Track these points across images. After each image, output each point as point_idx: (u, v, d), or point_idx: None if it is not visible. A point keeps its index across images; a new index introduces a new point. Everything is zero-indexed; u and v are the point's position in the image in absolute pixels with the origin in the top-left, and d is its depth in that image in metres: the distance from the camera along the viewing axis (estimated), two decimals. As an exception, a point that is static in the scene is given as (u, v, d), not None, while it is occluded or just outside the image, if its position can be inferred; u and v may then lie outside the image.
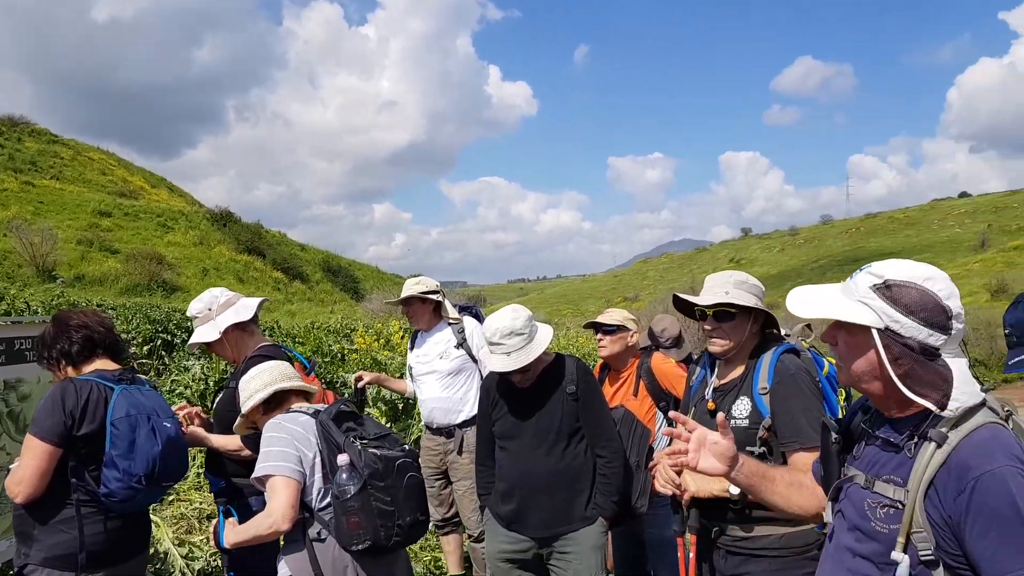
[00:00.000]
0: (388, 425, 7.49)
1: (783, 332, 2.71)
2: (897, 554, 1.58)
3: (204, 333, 3.43)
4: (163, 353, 11.60)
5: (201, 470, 7.01)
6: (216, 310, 3.45)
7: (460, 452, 4.49)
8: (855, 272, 1.74)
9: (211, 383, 8.05)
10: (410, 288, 4.58)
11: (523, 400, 3.26)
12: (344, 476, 2.56)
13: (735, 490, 2.36)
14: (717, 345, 2.64)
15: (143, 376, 3.11)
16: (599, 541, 3.17)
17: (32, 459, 2.61)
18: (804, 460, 2.29)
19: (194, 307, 3.53)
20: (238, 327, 3.40)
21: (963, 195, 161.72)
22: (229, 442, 3.23)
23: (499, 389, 3.34)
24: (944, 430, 1.59)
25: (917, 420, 1.66)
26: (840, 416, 2.50)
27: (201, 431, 3.33)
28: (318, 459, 2.66)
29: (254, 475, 2.66)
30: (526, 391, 3.25)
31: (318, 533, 2.64)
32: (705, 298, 2.64)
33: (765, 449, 2.46)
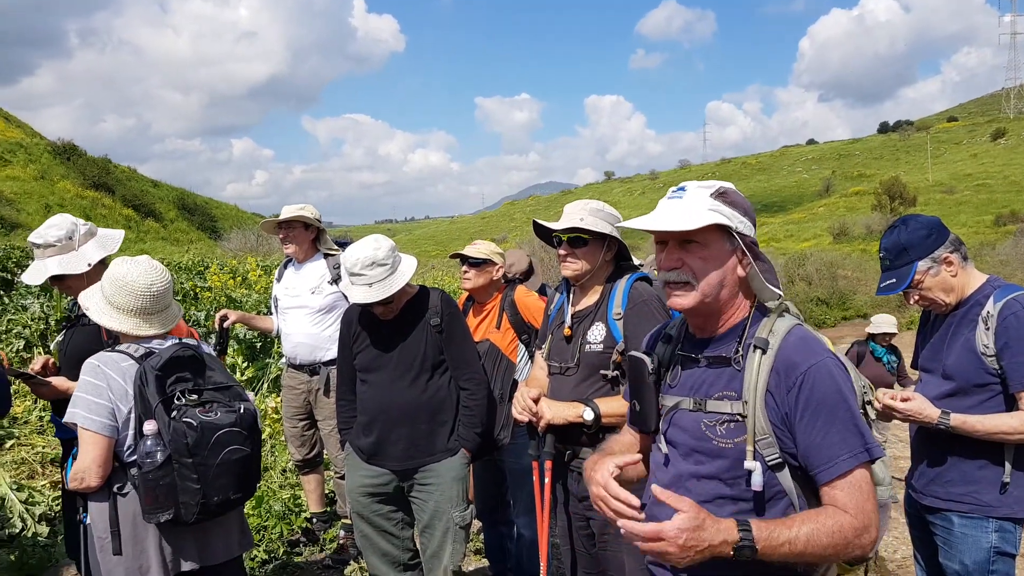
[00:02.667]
0: (245, 366, 7.26)
1: (637, 263, 2.82)
2: (749, 463, 1.64)
3: (69, 263, 3.07)
4: (1, 292, 10.67)
5: (44, 414, 6.61)
6: (79, 240, 3.12)
7: (327, 393, 4.38)
8: (673, 192, 1.80)
9: (51, 322, 7.51)
10: (293, 211, 4.37)
11: (385, 332, 3.22)
12: (148, 444, 2.37)
13: (589, 416, 2.48)
14: (570, 269, 2.73)
15: None
16: (460, 472, 3.20)
17: None
18: None
19: (49, 234, 3.11)
20: (103, 262, 3.07)
21: (811, 142, 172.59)
22: None
23: (361, 321, 3.28)
24: (764, 336, 1.69)
25: (735, 332, 1.76)
26: None
27: (64, 381, 3.05)
28: (132, 415, 2.44)
29: (66, 417, 2.45)
30: (389, 323, 3.21)
31: (120, 487, 2.46)
32: (560, 223, 2.72)
33: (618, 372, 2.55)
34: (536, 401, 2.65)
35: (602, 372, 2.59)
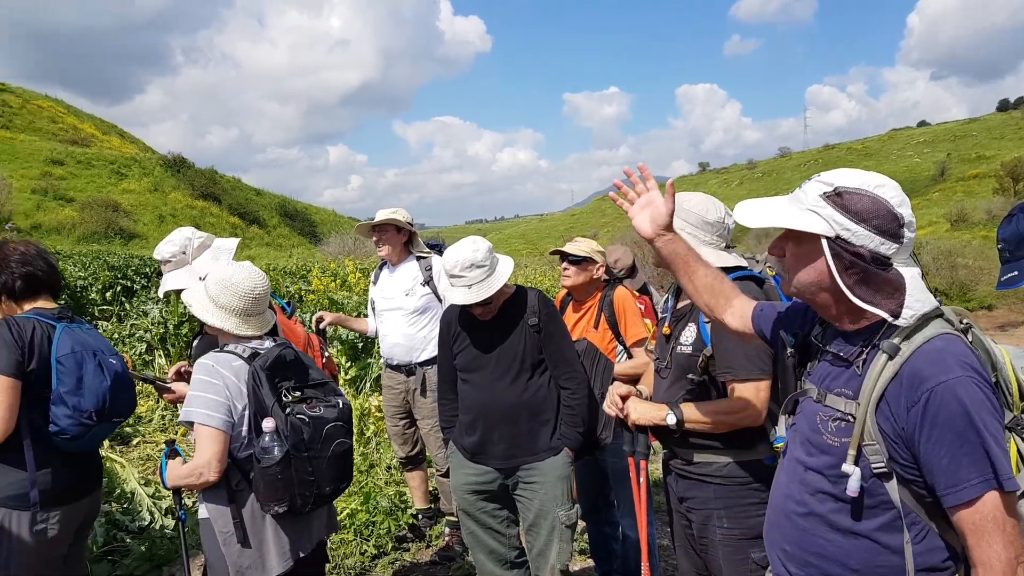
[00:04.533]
0: (348, 365, 7.48)
1: (754, 258, 2.69)
2: (847, 466, 1.58)
3: (179, 279, 3.24)
4: (123, 299, 11.42)
5: (166, 412, 7.02)
6: (191, 253, 3.30)
7: (424, 393, 4.46)
8: (804, 181, 1.71)
9: (170, 326, 7.97)
10: (386, 214, 4.48)
11: (485, 332, 3.25)
12: (267, 440, 2.48)
13: (672, 419, 2.40)
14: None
15: (80, 317, 3.03)
16: (564, 471, 3.20)
17: (1, 396, 2.55)
18: (739, 391, 2.31)
19: (165, 250, 3.33)
20: None
21: (922, 124, 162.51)
22: None
23: (460, 322, 3.32)
24: (896, 341, 1.57)
25: (869, 332, 1.65)
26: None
27: (184, 387, 3.24)
28: (247, 412, 2.56)
29: (181, 416, 2.57)
30: (487, 323, 3.24)
31: (237, 483, 2.58)
32: None
33: (706, 377, 2.46)
34: (625, 399, 2.60)
35: (690, 376, 2.51)
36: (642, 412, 2.49)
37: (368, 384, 7.39)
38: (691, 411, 2.40)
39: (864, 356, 1.63)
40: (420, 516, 4.87)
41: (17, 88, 59.99)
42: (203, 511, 2.62)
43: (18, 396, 2.60)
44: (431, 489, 5.01)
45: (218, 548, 2.58)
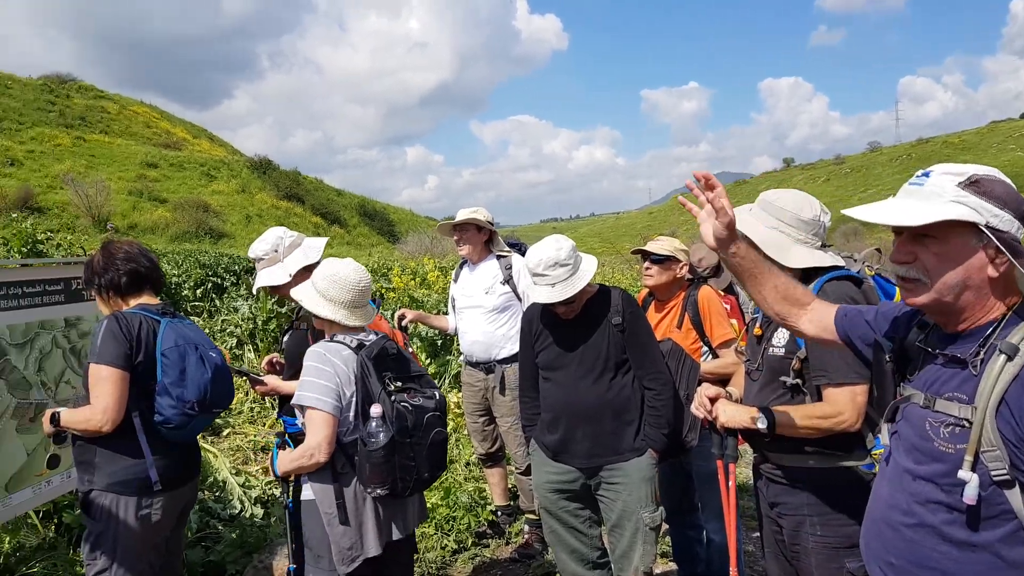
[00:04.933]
0: (427, 361, 7.60)
1: (850, 255, 2.58)
2: (965, 473, 1.51)
3: (273, 276, 3.42)
4: (213, 295, 11.92)
5: (255, 404, 7.28)
6: (283, 252, 3.45)
7: (503, 391, 4.49)
8: (916, 178, 1.63)
9: (258, 322, 8.27)
10: (467, 214, 4.54)
11: (567, 331, 3.24)
12: (373, 426, 2.62)
13: (762, 423, 2.33)
14: None
15: (181, 313, 3.18)
16: (648, 473, 3.16)
17: (110, 386, 2.70)
18: (834, 396, 2.24)
19: (258, 248, 3.50)
20: (306, 269, 3.37)
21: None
22: None
23: (543, 320, 3.32)
24: (1015, 341, 1.50)
25: (981, 333, 1.58)
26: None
27: (276, 380, 3.42)
28: (355, 398, 2.71)
29: (294, 401, 2.74)
30: (570, 322, 3.22)
31: (343, 466, 2.72)
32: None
33: (799, 380, 2.39)
34: (714, 400, 2.54)
35: (782, 379, 2.43)
36: (732, 415, 2.43)
37: (447, 381, 7.48)
38: (783, 415, 2.32)
39: (981, 356, 1.55)
40: (499, 513, 4.90)
41: (115, 95, 63.48)
42: (308, 493, 2.76)
43: (127, 387, 2.75)
44: (510, 486, 5.04)
45: (321, 529, 2.71)
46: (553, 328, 3.29)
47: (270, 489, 5.30)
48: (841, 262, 2.47)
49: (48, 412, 2.88)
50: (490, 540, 4.76)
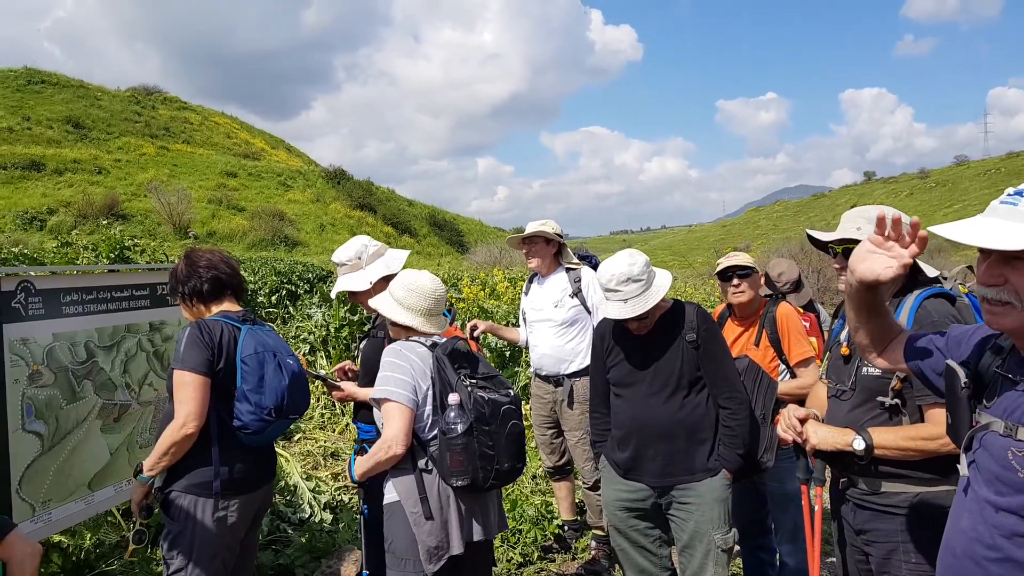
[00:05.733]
0: (496, 372, 7.61)
1: (939, 275, 2.48)
2: None
3: (353, 282, 3.49)
4: (287, 302, 12.24)
5: (325, 411, 7.41)
6: (366, 260, 3.52)
7: (571, 405, 4.46)
8: (1008, 196, 1.55)
9: (331, 329, 8.43)
10: (536, 226, 4.54)
11: (640, 347, 3.18)
12: (452, 415, 2.67)
13: (860, 444, 2.24)
14: (841, 283, 2.50)
15: (261, 319, 3.25)
16: (722, 494, 3.08)
17: (192, 391, 2.77)
18: (940, 416, 2.12)
19: (342, 254, 3.58)
20: (386, 279, 3.41)
21: None
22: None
23: (614, 335, 3.26)
24: None
25: None
26: None
27: (352, 387, 3.48)
28: (431, 392, 2.77)
29: (372, 395, 2.81)
30: (643, 338, 3.17)
31: (425, 463, 2.77)
32: (834, 233, 2.51)
33: (898, 401, 2.30)
34: (803, 421, 2.44)
35: (879, 399, 2.33)
36: (824, 437, 2.34)
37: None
38: (882, 436, 2.24)
39: None
40: (566, 527, 4.85)
41: (197, 106, 66.23)
42: (391, 495, 2.80)
43: (208, 392, 2.82)
44: (577, 501, 4.98)
45: (408, 530, 2.74)
46: (625, 344, 3.23)
47: (339, 495, 5.38)
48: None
49: (136, 490, 2.91)
50: (556, 555, 4.71)
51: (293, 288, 13.16)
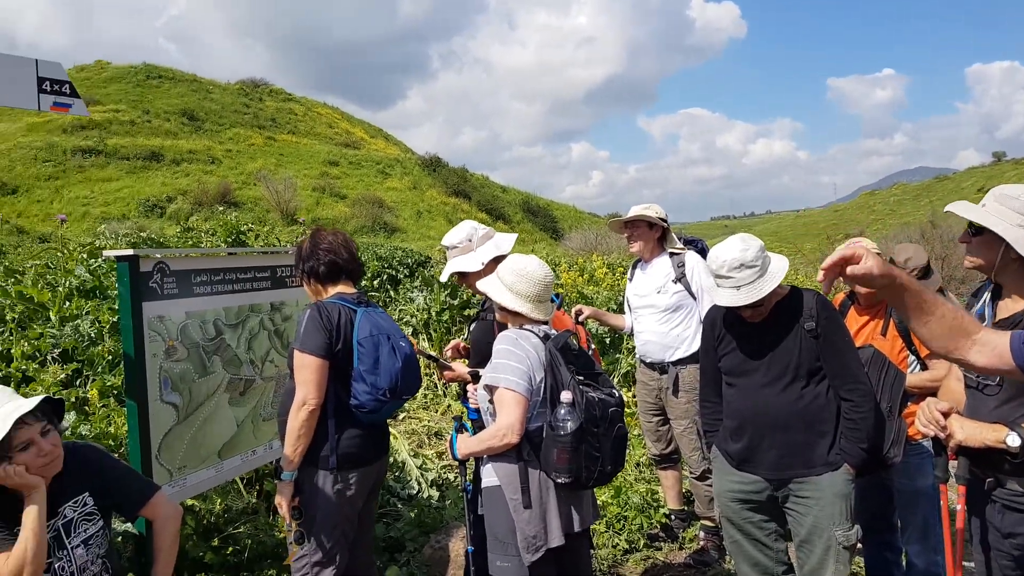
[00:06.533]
0: (596, 359, 7.58)
1: None
2: None
3: (464, 263, 3.54)
4: (388, 287, 12.56)
5: (427, 392, 7.58)
6: (476, 242, 3.57)
7: (676, 392, 4.40)
8: None
9: (432, 313, 8.60)
10: (639, 210, 4.48)
11: (754, 335, 3.07)
12: (563, 412, 2.65)
13: (1014, 442, 2.09)
14: (968, 261, 2.36)
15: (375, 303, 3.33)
16: (844, 489, 2.95)
17: (311, 373, 2.89)
18: None
19: (453, 237, 3.62)
20: (496, 260, 3.44)
21: None
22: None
23: (725, 322, 3.16)
24: None
25: None
26: None
27: (463, 368, 3.56)
28: (544, 384, 2.76)
29: (484, 381, 2.82)
30: (756, 326, 3.06)
31: (527, 453, 2.76)
32: (963, 209, 2.33)
33: None
34: (946, 415, 2.30)
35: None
36: (971, 432, 2.20)
37: (616, 379, 7.42)
38: None
39: None
40: (673, 516, 4.79)
41: (301, 98, 68.75)
42: (490, 479, 2.83)
43: (326, 373, 2.93)
44: (684, 490, 4.91)
45: (507, 516, 2.76)
46: (738, 331, 3.13)
47: (444, 473, 5.49)
48: None
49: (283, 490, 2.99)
50: (662, 543, 4.66)
51: (394, 273, 13.50)
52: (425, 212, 42.72)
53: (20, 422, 2.40)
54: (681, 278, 4.36)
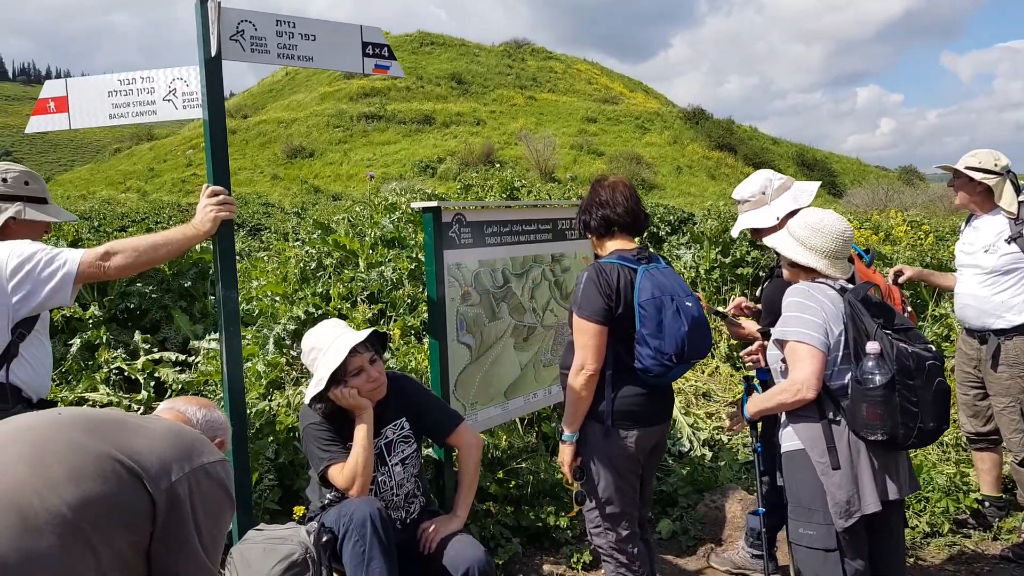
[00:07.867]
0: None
1: None
2: None
3: (758, 218, 3.34)
4: (649, 244, 12.46)
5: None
6: (771, 194, 3.34)
7: (994, 367, 3.91)
8: None
9: (701, 271, 8.35)
10: (966, 160, 3.97)
11: None
12: (871, 364, 2.47)
13: None
14: None
15: (658, 255, 3.19)
16: None
17: (589, 339, 2.85)
18: None
19: (744, 190, 3.44)
20: (792, 213, 3.17)
21: None
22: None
23: None
24: None
25: None
26: None
27: (753, 325, 3.43)
28: (843, 338, 2.59)
29: (776, 336, 2.70)
30: None
31: (832, 413, 2.61)
32: None
33: None
34: None
35: None
36: None
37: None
38: None
39: None
40: (987, 503, 4.27)
41: (561, 55, 70.04)
42: (791, 443, 2.70)
43: (605, 339, 2.86)
44: (1003, 476, 4.33)
45: (814, 480, 2.62)
46: None
47: (716, 434, 5.36)
48: None
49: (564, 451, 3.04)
50: (972, 531, 4.18)
51: (655, 230, 13.30)
52: (685, 167, 41.73)
53: (353, 351, 2.74)
54: (1018, 237, 3.82)
